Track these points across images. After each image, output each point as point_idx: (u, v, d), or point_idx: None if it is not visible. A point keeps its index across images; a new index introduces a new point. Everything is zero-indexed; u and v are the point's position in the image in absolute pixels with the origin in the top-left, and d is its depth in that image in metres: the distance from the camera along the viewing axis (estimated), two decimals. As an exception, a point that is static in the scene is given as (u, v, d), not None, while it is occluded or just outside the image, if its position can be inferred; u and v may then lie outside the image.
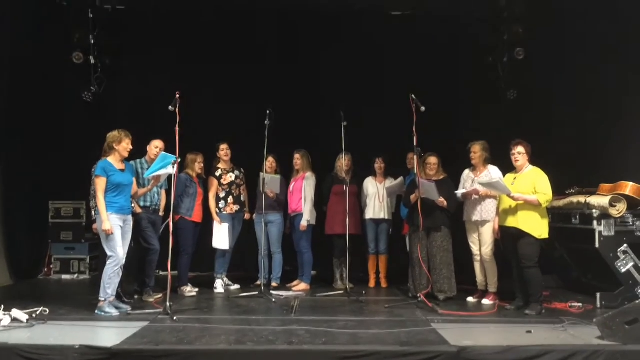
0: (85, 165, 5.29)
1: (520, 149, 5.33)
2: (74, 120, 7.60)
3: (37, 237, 7.55)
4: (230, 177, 6.58)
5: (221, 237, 6.35)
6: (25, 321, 4.58)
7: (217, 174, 6.55)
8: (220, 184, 6.53)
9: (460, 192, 5.78)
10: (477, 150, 5.81)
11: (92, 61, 7.37)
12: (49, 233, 7.65)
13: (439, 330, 4.45)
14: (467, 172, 5.96)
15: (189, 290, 6.25)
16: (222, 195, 6.53)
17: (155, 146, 5.85)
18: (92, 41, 7.32)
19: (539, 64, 7.33)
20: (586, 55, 6.85)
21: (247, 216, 6.78)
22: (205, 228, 6.55)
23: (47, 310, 4.84)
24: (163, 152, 5.43)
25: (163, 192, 6.07)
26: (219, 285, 6.45)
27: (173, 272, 5.31)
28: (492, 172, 5.72)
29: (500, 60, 7.58)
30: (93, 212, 5.54)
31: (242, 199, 6.67)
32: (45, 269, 7.62)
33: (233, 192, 6.57)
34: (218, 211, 6.48)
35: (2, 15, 6.43)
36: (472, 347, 3.93)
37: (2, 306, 4.71)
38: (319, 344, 4.07)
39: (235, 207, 6.56)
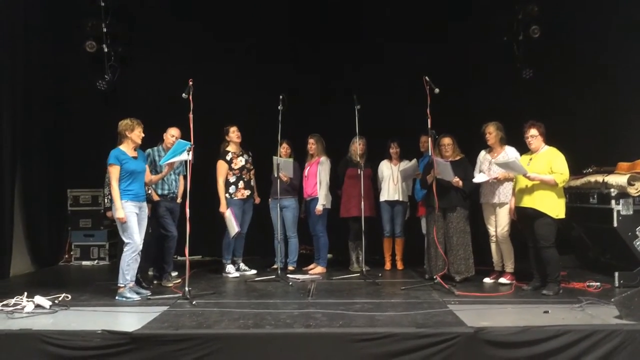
0: (102, 153, 5.35)
1: (533, 131, 5.24)
2: (90, 109, 7.65)
3: (56, 225, 7.67)
4: (241, 161, 6.43)
5: (232, 225, 6.20)
6: (48, 307, 4.67)
7: (228, 157, 6.38)
8: (230, 168, 6.37)
9: (478, 179, 5.70)
10: (492, 131, 5.75)
11: (105, 50, 7.36)
12: (68, 221, 7.78)
13: (456, 312, 4.45)
14: (483, 153, 5.90)
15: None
16: (232, 180, 6.36)
17: (172, 134, 5.86)
18: (104, 29, 7.30)
19: (555, 41, 7.19)
20: (604, 31, 6.71)
21: (257, 200, 6.66)
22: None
23: (69, 297, 4.94)
24: (179, 140, 5.45)
25: (181, 179, 6.09)
26: (232, 270, 6.45)
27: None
28: (509, 153, 5.66)
29: (516, 39, 7.44)
30: (107, 200, 5.60)
31: (251, 183, 6.54)
32: (66, 256, 7.76)
33: (244, 176, 6.42)
34: (228, 197, 6.35)
35: (14, 5, 6.46)
36: (489, 327, 3.94)
37: (26, 293, 4.80)
38: (336, 326, 4.10)
39: (246, 192, 6.42)
